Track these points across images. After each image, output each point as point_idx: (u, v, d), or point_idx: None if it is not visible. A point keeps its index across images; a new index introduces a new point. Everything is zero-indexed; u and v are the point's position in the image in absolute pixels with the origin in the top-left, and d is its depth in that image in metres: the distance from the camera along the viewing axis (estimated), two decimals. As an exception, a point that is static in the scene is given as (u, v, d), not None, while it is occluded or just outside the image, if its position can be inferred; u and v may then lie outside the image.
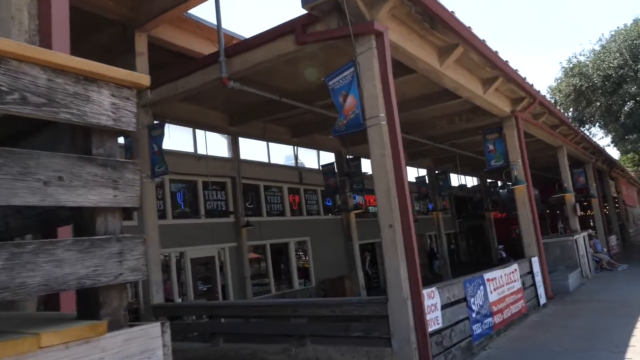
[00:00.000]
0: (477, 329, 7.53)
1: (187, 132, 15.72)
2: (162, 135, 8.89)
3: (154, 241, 8.70)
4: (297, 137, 13.55)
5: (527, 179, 11.65)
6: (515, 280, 9.57)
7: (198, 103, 10.64)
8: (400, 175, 6.12)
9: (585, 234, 17.69)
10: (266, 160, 18.74)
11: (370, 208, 23.90)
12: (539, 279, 11.11)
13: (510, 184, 11.90)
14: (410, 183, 21.63)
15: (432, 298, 6.42)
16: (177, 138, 15.34)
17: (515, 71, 10.02)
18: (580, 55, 24.08)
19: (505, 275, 9.14)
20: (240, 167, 17.25)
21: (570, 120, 16.86)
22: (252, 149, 18.19)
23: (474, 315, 7.49)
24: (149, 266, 8.49)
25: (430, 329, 6.14)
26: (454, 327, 6.86)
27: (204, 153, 16.08)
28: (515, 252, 31.27)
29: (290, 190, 19.80)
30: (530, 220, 11.59)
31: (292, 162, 19.98)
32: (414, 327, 5.79)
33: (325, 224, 21.16)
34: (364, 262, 21.96)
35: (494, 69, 9.39)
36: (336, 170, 14.84)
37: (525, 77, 10.59)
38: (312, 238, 20.35)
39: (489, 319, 7.96)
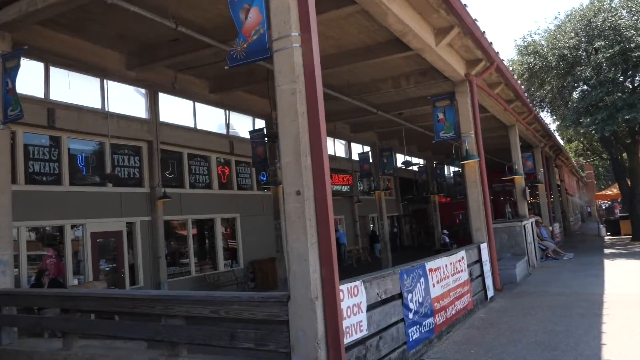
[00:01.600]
0: (414, 333, 5.89)
1: (93, 82, 13.28)
2: (17, 67, 6.69)
3: (3, 208, 6.54)
4: (217, 92, 11.52)
5: (479, 153, 10.13)
6: (461, 270, 8.03)
7: (82, 35, 8.40)
8: (316, 122, 4.30)
9: (532, 220, 16.65)
10: (192, 125, 16.52)
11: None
12: (487, 268, 9.67)
13: (459, 160, 10.36)
14: (352, 161, 19.88)
15: (354, 296, 4.67)
16: (79, 88, 12.93)
17: (474, 21, 8.36)
18: (535, 34, 23.02)
19: (451, 264, 7.56)
20: (159, 129, 15.01)
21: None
22: (176, 112, 15.93)
23: (411, 315, 5.83)
24: (-10, 241, 6.35)
25: (349, 339, 4.41)
26: (384, 333, 5.17)
27: (114, 111, 13.75)
28: (458, 239, 30.53)
29: (219, 160, 17.72)
30: (480, 202, 10.12)
31: (223, 131, 17.85)
32: (325, 339, 4.03)
33: (259, 200, 19.24)
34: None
35: (449, 13, 7.69)
36: (266, 139, 12.88)
37: (484, 32, 8.97)
38: (243, 215, 18.40)
39: (430, 319, 6.35)
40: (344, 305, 4.40)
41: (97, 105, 13.46)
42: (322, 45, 8.63)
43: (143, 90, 15.00)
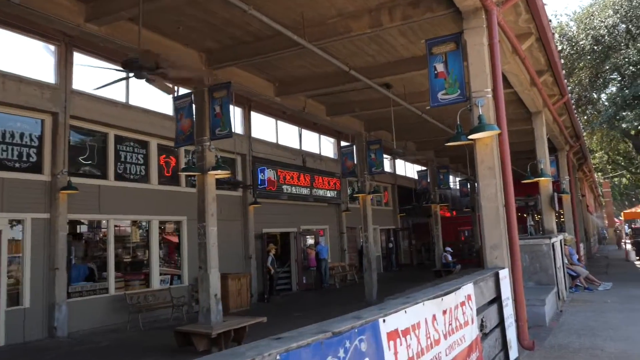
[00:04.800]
0: None
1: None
2: None
3: None
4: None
5: (500, 123, 6.31)
6: (467, 323, 4.17)
7: None
8: None
9: (561, 237, 12.72)
10: (122, 99, 12.81)
11: (286, 187, 18.39)
12: (509, 311, 5.78)
13: (465, 133, 6.50)
14: (330, 159, 16.07)
15: None
16: None
17: None
18: (563, 14, 19.36)
19: (445, 313, 3.69)
20: (69, 99, 11.32)
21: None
22: (99, 79, 12.21)
23: None
24: None
25: None
26: None
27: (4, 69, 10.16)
28: (462, 258, 26.47)
29: (162, 148, 13.93)
30: (499, 201, 6.27)
31: (170, 110, 14.12)
32: None
33: (219, 200, 15.45)
34: (265, 257, 16.43)
35: None
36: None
37: None
38: (192, 218, 14.51)
39: None
40: None
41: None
42: None
43: (52, 47, 11.39)
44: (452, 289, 4.02)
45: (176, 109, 9.32)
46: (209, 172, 8.63)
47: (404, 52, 9.15)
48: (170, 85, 7.07)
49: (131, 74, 6.01)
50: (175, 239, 14.38)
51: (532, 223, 12.81)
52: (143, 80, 6.23)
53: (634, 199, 60.05)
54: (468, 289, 4.41)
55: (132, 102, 13.00)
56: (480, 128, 6.06)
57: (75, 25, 6.84)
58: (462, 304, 4.15)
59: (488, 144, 6.29)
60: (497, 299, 5.55)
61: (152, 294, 12.68)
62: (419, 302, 3.31)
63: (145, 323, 11.90)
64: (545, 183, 12.30)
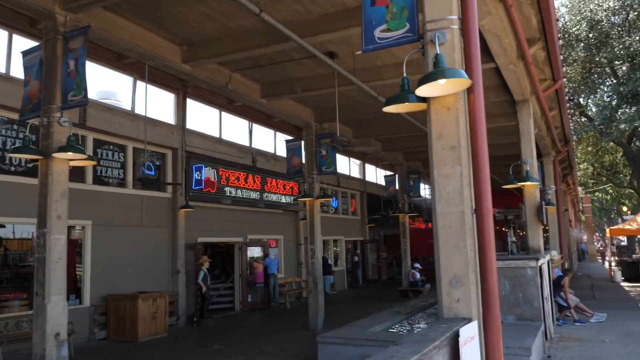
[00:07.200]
0: None
1: None
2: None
3: None
4: None
5: (472, 69, 3.75)
6: None
7: None
8: None
9: (548, 257, 10.26)
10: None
11: (230, 189, 15.72)
12: (477, 403, 3.16)
13: (414, 93, 3.91)
14: (272, 155, 12.29)
15: None
16: None
17: None
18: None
19: None
20: None
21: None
22: None
23: None
24: None
25: None
26: None
27: None
28: (434, 274, 24.00)
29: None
30: (466, 204, 3.68)
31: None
32: None
33: (135, 202, 12.76)
34: (197, 272, 13.68)
35: None
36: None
37: None
38: (97, 223, 11.77)
39: None
40: None
41: None
42: None
43: None
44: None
45: (25, 67, 6.61)
46: (55, 155, 5.91)
47: (347, -2, 6.60)
48: None
49: None
50: (75, 248, 11.56)
51: (513, 239, 10.34)
52: None
53: (612, 215, 58.61)
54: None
55: (14, 73, 10.24)
56: (437, 74, 3.47)
57: None
58: None
59: (450, 106, 3.72)
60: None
61: (28, 319, 9.83)
62: None
63: (17, 358, 9.11)
64: (532, 189, 9.82)
